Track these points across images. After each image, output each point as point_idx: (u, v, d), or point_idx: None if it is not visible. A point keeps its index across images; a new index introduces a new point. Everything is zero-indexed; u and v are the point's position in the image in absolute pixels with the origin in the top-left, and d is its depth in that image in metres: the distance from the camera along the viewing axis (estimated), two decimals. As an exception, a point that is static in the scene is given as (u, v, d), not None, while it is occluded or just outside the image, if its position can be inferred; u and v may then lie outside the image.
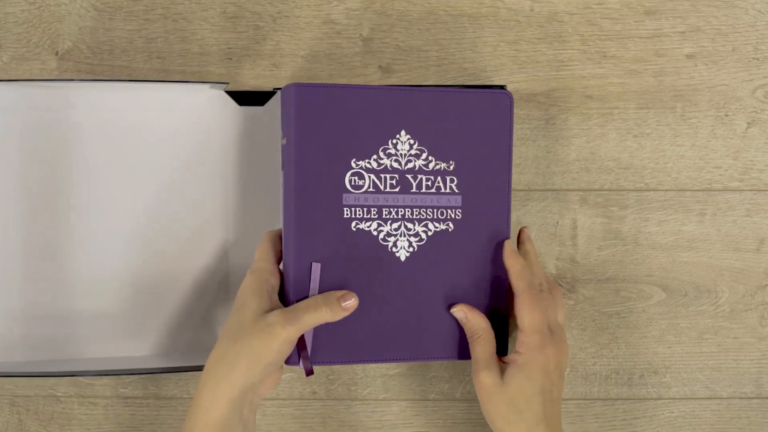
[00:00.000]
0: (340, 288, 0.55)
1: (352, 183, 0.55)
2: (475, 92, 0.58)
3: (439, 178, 0.57)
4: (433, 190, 0.57)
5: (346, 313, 0.54)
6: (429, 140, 0.56)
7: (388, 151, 0.56)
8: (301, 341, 0.55)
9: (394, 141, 0.56)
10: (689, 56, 0.66)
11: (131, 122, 0.63)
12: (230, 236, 0.64)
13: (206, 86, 0.62)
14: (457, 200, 0.57)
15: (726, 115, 0.67)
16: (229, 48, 0.66)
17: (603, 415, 0.68)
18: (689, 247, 0.67)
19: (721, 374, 0.68)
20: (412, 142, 0.56)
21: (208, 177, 0.64)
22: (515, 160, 0.66)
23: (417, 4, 0.65)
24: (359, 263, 0.56)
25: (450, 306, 0.58)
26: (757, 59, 0.66)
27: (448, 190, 0.57)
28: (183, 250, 0.64)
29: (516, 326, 0.58)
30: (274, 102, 0.63)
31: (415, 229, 0.57)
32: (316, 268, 0.55)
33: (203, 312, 0.65)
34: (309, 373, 0.55)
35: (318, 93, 0.54)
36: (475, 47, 0.66)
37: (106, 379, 0.68)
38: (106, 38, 0.65)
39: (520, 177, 0.67)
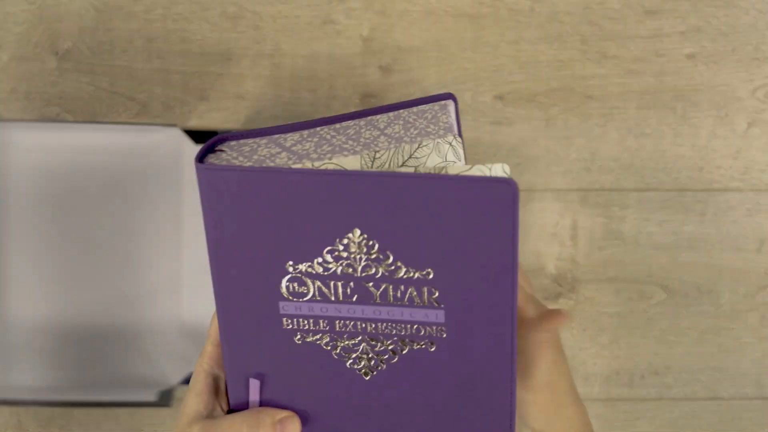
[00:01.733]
0: (288, 402, 0.44)
1: (291, 290, 0.41)
2: (455, 180, 0.39)
3: (411, 289, 0.41)
4: (405, 302, 0.41)
5: None
6: (395, 242, 0.39)
7: (336, 254, 0.40)
8: None
9: (344, 241, 0.40)
10: (690, 56, 0.66)
11: (73, 165, 0.62)
12: (184, 278, 0.64)
13: (158, 126, 0.61)
14: (439, 315, 0.41)
15: (726, 115, 0.66)
16: (229, 48, 0.66)
17: (604, 415, 0.68)
18: (690, 247, 0.67)
19: (722, 375, 0.68)
20: (370, 243, 0.40)
21: (160, 217, 0.63)
22: (516, 159, 0.66)
23: (417, 4, 0.65)
24: (309, 378, 0.44)
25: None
26: (758, 59, 0.66)
27: (425, 303, 0.41)
28: (133, 292, 0.64)
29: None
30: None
31: (381, 347, 0.43)
32: (255, 385, 0.43)
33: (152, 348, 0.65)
34: None
35: (230, 180, 0.38)
36: (475, 47, 0.66)
37: (105, 380, 0.68)
38: (106, 38, 0.65)
39: (520, 177, 0.66)
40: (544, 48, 0.66)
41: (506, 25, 0.66)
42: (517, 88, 0.66)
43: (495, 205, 0.39)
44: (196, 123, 0.66)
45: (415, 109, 0.46)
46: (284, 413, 0.44)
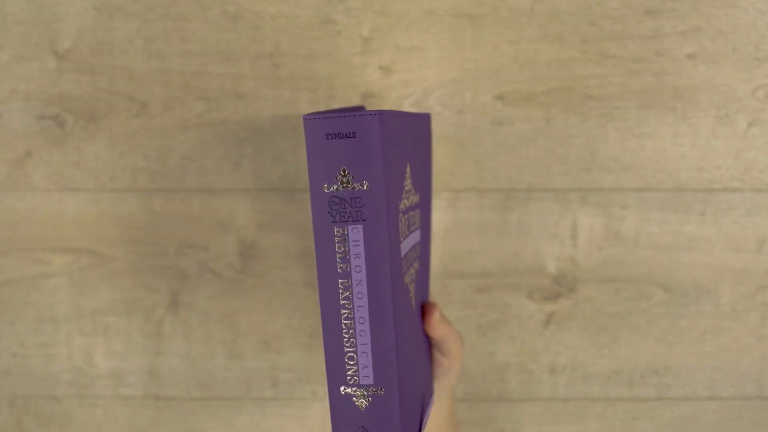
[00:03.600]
0: (400, 356, 0.44)
1: (402, 232, 0.44)
2: (419, 116, 0.49)
3: (414, 213, 0.48)
4: (413, 228, 0.48)
5: None
6: (414, 172, 0.48)
7: (405, 190, 0.45)
8: None
9: (405, 176, 0.45)
10: (690, 56, 0.66)
11: None
12: None
13: None
14: (418, 235, 0.49)
15: (726, 115, 0.66)
16: (229, 48, 0.66)
17: (603, 415, 0.68)
18: (690, 247, 0.67)
19: (721, 374, 0.68)
20: (410, 176, 0.47)
21: None
22: (515, 159, 0.66)
23: (417, 4, 0.65)
24: (405, 323, 0.45)
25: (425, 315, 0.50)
26: (758, 59, 0.66)
27: (417, 225, 0.49)
28: None
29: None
30: None
31: (413, 272, 0.48)
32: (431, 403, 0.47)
33: None
34: None
35: (395, 121, 0.42)
36: (475, 47, 0.66)
37: (106, 380, 0.68)
38: (106, 38, 0.65)
39: (520, 177, 0.67)
40: (544, 48, 0.66)
41: (506, 25, 0.66)
42: (517, 88, 0.66)
43: (427, 129, 0.50)
44: (196, 123, 0.66)
45: None
46: None
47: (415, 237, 0.47)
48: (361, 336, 0.42)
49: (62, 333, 0.69)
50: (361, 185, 0.41)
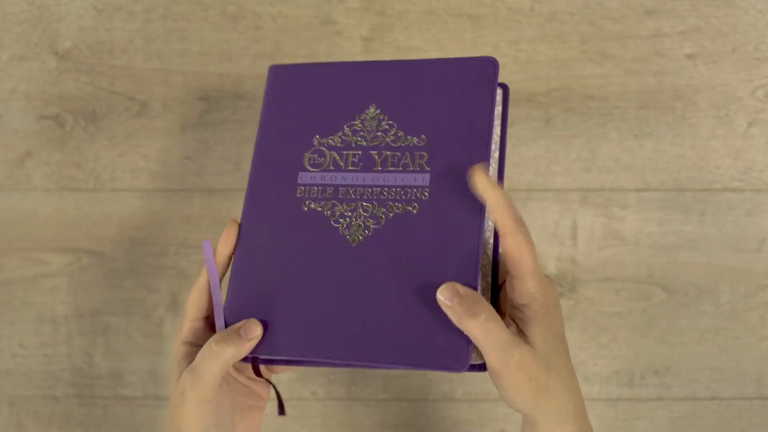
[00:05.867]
0: (281, 271, 0.49)
1: (312, 161, 0.51)
2: (453, 61, 0.51)
3: (407, 155, 0.50)
4: (399, 168, 0.49)
5: (252, 344, 0.47)
6: (400, 114, 0.51)
7: (354, 127, 0.51)
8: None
9: (362, 116, 0.51)
10: (689, 56, 0.66)
11: None
12: None
13: None
14: (425, 179, 0.49)
15: (726, 115, 0.66)
16: (229, 48, 0.66)
17: (604, 415, 0.68)
18: (690, 247, 0.67)
19: (722, 375, 0.68)
20: (381, 117, 0.51)
21: None
22: (515, 159, 0.66)
23: (417, 4, 0.65)
24: (306, 247, 0.49)
25: (424, 293, 0.47)
26: (758, 59, 0.66)
27: (416, 168, 0.49)
28: None
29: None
30: None
31: (373, 211, 0.49)
32: (206, 246, 0.50)
33: None
34: (280, 410, 0.53)
35: (291, 72, 0.53)
36: (475, 47, 0.66)
37: (106, 380, 0.68)
38: (106, 38, 0.65)
39: (520, 177, 0.67)
40: (544, 48, 0.66)
41: (506, 25, 0.66)
42: (517, 88, 0.66)
43: (480, 77, 0.50)
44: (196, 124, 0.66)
45: None
46: (243, 322, 0.48)
47: (379, 177, 0.50)
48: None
49: (62, 333, 0.69)
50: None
